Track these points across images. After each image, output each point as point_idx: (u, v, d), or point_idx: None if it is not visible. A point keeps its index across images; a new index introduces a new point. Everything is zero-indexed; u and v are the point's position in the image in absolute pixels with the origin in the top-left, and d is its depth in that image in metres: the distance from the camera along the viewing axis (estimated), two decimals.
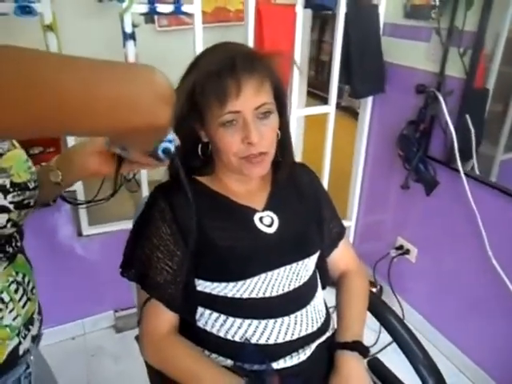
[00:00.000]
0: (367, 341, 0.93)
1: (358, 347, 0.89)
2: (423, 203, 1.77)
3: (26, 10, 1.28)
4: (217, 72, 0.76)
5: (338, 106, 1.86)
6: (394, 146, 1.76)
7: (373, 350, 1.72)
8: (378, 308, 1.05)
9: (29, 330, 0.70)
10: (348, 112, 4.12)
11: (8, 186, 0.62)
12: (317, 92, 4.43)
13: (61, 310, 1.79)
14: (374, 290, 2.00)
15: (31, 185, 0.67)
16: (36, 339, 0.73)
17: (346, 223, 2.14)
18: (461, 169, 1.52)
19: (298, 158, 2.54)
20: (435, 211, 1.74)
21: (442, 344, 1.81)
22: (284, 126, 0.88)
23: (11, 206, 0.62)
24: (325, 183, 2.00)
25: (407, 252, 1.90)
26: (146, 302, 0.85)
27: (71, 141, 1.51)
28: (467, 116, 1.51)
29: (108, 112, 0.42)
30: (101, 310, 1.90)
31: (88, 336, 1.89)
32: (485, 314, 1.61)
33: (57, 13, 1.35)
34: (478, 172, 1.54)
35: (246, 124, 0.77)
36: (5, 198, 0.61)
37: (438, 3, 1.51)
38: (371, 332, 1.65)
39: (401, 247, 1.93)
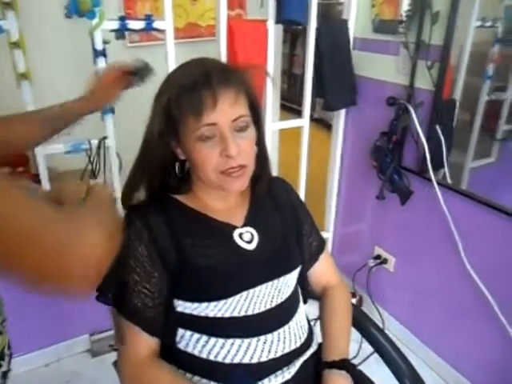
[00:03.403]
0: (349, 352, 0.93)
1: (345, 365, 0.88)
2: (399, 213, 1.80)
3: None
4: (192, 85, 0.75)
5: (311, 119, 1.87)
6: (368, 157, 1.79)
7: (355, 362, 1.71)
8: (358, 319, 1.05)
9: (0, 366, 0.67)
10: (321, 124, 4.17)
11: None
12: (290, 105, 4.48)
13: (32, 336, 1.71)
14: (353, 300, 2.00)
15: None
16: (5, 375, 0.69)
17: (323, 234, 2.15)
18: (433, 178, 1.55)
19: (274, 171, 2.56)
20: (411, 220, 1.77)
21: (422, 352, 1.83)
22: (261, 139, 0.87)
23: None
24: (301, 196, 2.00)
25: (385, 261, 1.92)
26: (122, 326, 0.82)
27: (42, 162, 1.46)
28: (437, 126, 1.55)
29: (33, 263, 0.43)
30: (75, 334, 1.83)
31: (62, 362, 1.82)
32: (463, 322, 1.64)
33: (24, 29, 1.32)
34: (449, 180, 1.58)
35: (224, 137, 0.76)
36: None
37: (404, 18, 1.55)
38: (353, 343, 1.64)
39: (378, 257, 1.95)
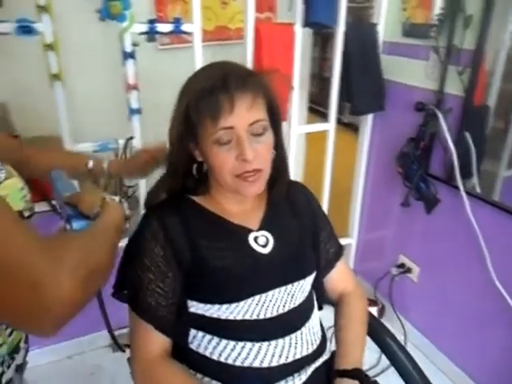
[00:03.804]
0: (368, 362, 0.91)
1: (358, 375, 0.86)
2: (424, 221, 1.75)
3: (26, 30, 1.29)
4: (209, 89, 0.76)
5: (340, 122, 1.85)
6: (394, 163, 1.75)
7: (374, 372, 1.68)
8: (376, 331, 1.02)
9: (13, 359, 0.69)
10: (350, 128, 4.12)
11: None
12: (320, 109, 4.45)
13: None
14: (375, 309, 1.96)
15: (26, 213, 0.67)
16: (20, 368, 0.71)
17: (346, 241, 2.14)
18: (461, 186, 1.51)
19: (299, 175, 2.54)
20: (437, 229, 1.72)
21: (444, 364, 1.77)
22: (279, 144, 0.87)
23: None
24: (325, 201, 1.98)
25: (409, 271, 1.87)
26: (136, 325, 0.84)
27: None
28: (467, 133, 1.50)
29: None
30: (98, 328, 1.87)
31: (85, 355, 1.87)
32: (488, 335, 1.58)
33: (58, 31, 1.36)
34: (478, 190, 1.52)
35: (240, 141, 0.76)
36: None
37: (436, 22, 1.51)
38: (372, 353, 1.61)
39: (402, 265, 1.90)
